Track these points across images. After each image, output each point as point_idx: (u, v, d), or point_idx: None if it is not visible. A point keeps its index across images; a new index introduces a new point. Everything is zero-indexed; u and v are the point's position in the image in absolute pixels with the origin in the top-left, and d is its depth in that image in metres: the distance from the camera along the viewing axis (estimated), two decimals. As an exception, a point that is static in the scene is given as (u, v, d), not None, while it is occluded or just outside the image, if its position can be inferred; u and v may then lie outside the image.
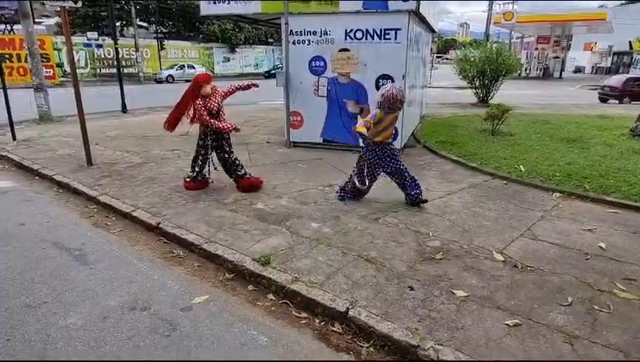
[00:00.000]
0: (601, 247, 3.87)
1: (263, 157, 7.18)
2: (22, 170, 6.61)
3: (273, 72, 36.40)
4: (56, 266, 3.66)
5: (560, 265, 3.54)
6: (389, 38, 6.75)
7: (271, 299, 3.20)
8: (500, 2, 34.52)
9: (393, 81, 6.88)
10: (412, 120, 9.04)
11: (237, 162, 5.35)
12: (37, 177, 6.22)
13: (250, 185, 5.32)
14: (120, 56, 23.54)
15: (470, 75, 14.74)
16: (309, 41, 7.26)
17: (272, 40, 44.70)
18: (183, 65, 33.04)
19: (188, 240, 3.96)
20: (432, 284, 3.22)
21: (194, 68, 32.79)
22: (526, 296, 3.08)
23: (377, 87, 6.90)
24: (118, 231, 4.37)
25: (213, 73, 38.44)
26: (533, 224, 4.37)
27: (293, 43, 7.35)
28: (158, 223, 4.32)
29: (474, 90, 15.43)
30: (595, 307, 2.97)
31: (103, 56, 31.48)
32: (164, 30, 39.16)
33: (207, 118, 5.00)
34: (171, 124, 5.20)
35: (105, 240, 4.16)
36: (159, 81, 30.56)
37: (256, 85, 5.55)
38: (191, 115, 5.12)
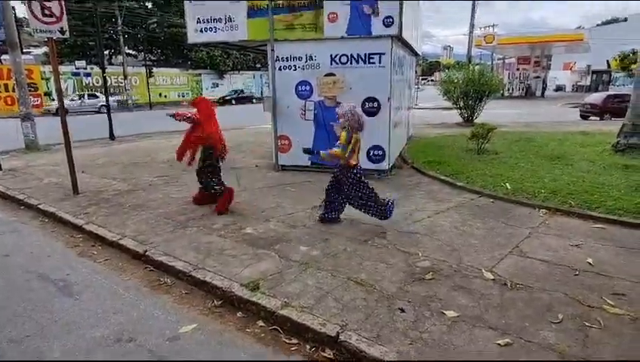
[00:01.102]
0: (589, 263, 3.89)
1: (251, 181, 7.17)
2: (7, 200, 6.50)
3: (228, 97, 36.81)
4: (40, 298, 3.57)
5: (549, 281, 3.55)
6: (374, 62, 6.90)
7: (260, 326, 3.14)
8: (481, 26, 35.66)
9: (379, 104, 7.00)
10: (399, 140, 9.14)
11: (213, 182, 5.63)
12: (22, 207, 6.12)
13: (224, 203, 5.48)
14: (108, 84, 23.64)
15: (455, 95, 15.05)
16: (295, 66, 7.38)
17: (259, 65, 45.31)
18: (82, 95, 28.24)
19: (175, 268, 3.90)
20: (423, 305, 3.19)
21: (96, 97, 27.88)
22: (516, 315, 3.07)
23: (363, 110, 7.01)
24: (104, 261, 4.29)
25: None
26: (521, 241, 4.39)
27: (280, 68, 7.46)
28: (145, 251, 4.25)
29: (459, 111, 15.71)
30: (586, 323, 2.97)
31: (91, 85, 31.54)
32: (152, 58, 39.58)
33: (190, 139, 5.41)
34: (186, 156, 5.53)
35: (90, 270, 4.07)
36: (52, 113, 23.27)
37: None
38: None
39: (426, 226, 4.85)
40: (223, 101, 35.99)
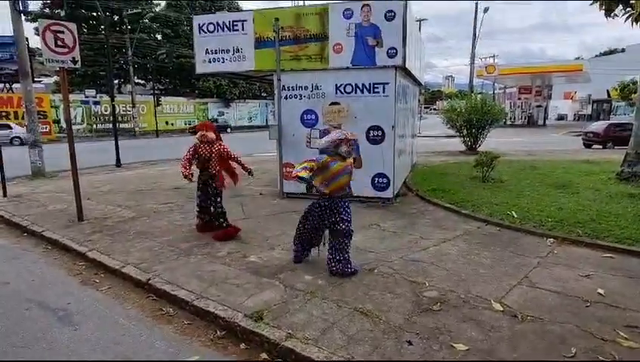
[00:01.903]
0: (600, 293, 3.80)
1: (256, 208, 7.14)
2: (11, 226, 6.50)
3: (193, 126, 36.48)
4: (40, 328, 3.50)
5: (560, 313, 3.45)
6: (378, 92, 6.99)
7: (264, 359, 3.05)
8: (482, 56, 36.32)
9: (383, 132, 7.04)
10: (403, 168, 9.15)
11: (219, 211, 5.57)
12: (25, 234, 6.11)
13: (224, 235, 5.41)
14: (117, 112, 24.04)
15: (458, 124, 15.16)
16: (300, 95, 7.49)
17: (265, 94, 46.12)
18: None
19: (178, 297, 3.83)
20: (431, 338, 3.10)
21: (10, 128, 22.77)
22: (528, 348, 2.97)
23: (368, 138, 7.05)
24: (107, 289, 4.23)
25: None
26: (529, 271, 4.31)
27: (286, 97, 7.57)
28: (148, 279, 4.20)
29: (462, 139, 15.80)
30: (600, 357, 2.86)
31: (100, 113, 32.13)
32: (160, 87, 40.40)
33: (186, 156, 5.36)
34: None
35: (92, 299, 4.02)
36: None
37: (251, 173, 5.55)
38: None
39: (433, 255, 4.78)
40: (194, 130, 35.85)
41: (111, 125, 16.12)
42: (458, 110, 15.05)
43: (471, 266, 4.45)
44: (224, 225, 5.50)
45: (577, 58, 49.78)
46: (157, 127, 33.68)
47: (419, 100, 15.89)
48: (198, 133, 5.36)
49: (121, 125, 32.23)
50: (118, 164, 13.26)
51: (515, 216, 6.12)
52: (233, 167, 5.54)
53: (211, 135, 5.33)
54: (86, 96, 30.97)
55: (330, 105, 7.31)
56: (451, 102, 16.46)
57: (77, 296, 4.08)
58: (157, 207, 7.27)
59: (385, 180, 7.21)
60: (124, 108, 33.29)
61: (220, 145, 5.39)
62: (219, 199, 5.49)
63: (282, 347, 3.03)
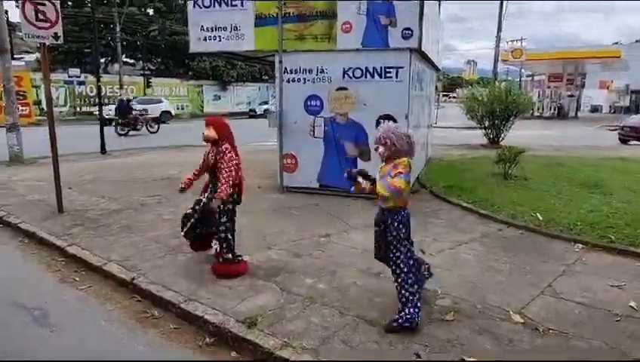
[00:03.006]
0: (632, 307, 3.77)
1: (252, 203, 7.12)
2: (-15, 217, 6.54)
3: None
4: (13, 329, 3.52)
5: (587, 327, 3.43)
6: (391, 77, 6.94)
7: (257, 369, 3.06)
8: (508, 39, 35.95)
9: (395, 122, 6.95)
10: (416, 163, 9.10)
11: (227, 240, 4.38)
12: (1, 225, 6.15)
13: (227, 272, 4.29)
14: (103, 93, 24.07)
15: (479, 114, 15.04)
16: (304, 79, 7.45)
17: (266, 77, 46.01)
18: None
19: (164, 299, 3.85)
20: (442, 350, 3.09)
21: None
22: (550, 365, 2.95)
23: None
24: (87, 288, 4.26)
25: (202, 112, 39.24)
26: (554, 280, 4.28)
27: (288, 81, 7.54)
28: (132, 279, 4.22)
29: (483, 131, 15.70)
30: (630, 378, 2.84)
31: (84, 94, 32.18)
32: (151, 67, 40.42)
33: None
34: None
35: (71, 298, 4.04)
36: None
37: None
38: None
39: (446, 259, 4.77)
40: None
41: (96, 108, 16.18)
42: (480, 99, 14.91)
43: (489, 273, 4.43)
44: (227, 256, 4.31)
45: (615, 43, 49.22)
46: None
47: (436, 87, 15.78)
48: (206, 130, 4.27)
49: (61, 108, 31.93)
50: (104, 151, 13.29)
51: (540, 218, 6.07)
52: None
53: (212, 133, 4.20)
54: (69, 76, 31.01)
55: (336, 90, 7.27)
56: (472, 90, 16.28)
57: (55, 295, 4.10)
58: (144, 199, 7.29)
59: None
60: (111, 90, 33.33)
61: (230, 157, 4.14)
62: (223, 218, 4.28)
63: (277, 356, 3.04)
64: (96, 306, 3.91)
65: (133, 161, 11.72)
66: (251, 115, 37.53)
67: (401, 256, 3.40)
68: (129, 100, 22.63)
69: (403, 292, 3.38)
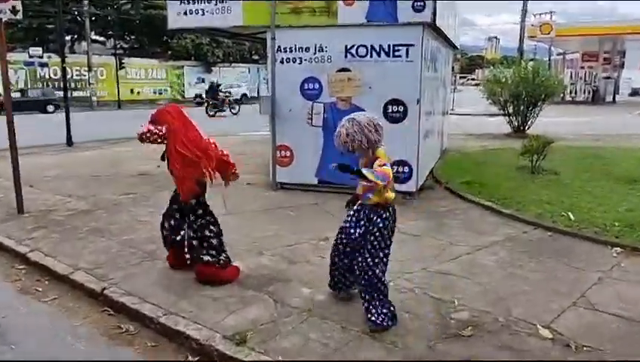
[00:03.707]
0: (678, 320, 3.78)
1: (241, 202, 7.15)
2: None
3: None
4: (-34, 347, 3.53)
5: (626, 343, 3.44)
6: (399, 56, 6.93)
7: (247, 392, 3.07)
8: (536, 12, 35.86)
9: (406, 108, 7.00)
10: (431, 154, 9.12)
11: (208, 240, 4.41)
12: (-49, 229, 6.15)
13: (211, 276, 4.31)
14: (69, 76, 24.09)
15: (502, 99, 15.04)
16: (300, 59, 7.43)
17: (256, 57, 45.95)
18: None
19: (141, 312, 3.86)
20: (459, 370, 3.10)
21: None
22: (582, 386, 2.97)
23: (386, 115, 7.01)
24: (51, 299, 4.27)
25: (183, 97, 39.21)
26: (588, 289, 4.29)
27: (282, 62, 7.52)
28: (104, 289, 4.23)
29: (507, 118, 15.70)
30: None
31: (47, 77, 32.18)
32: (124, 45, 40.32)
33: None
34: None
35: (33, 312, 4.05)
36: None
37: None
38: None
39: (464, 266, 4.78)
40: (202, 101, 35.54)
41: (61, 93, 16.29)
42: (503, 81, 14.91)
43: (513, 281, 4.44)
44: (208, 261, 4.30)
45: (659, 16, 49.03)
46: (119, 96, 33.74)
47: (452, 68, 15.74)
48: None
49: (75, 93, 32.27)
50: (70, 142, 13.29)
51: (572, 218, 6.09)
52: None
53: (152, 126, 4.18)
54: (30, 56, 30.97)
55: (337, 72, 7.26)
56: (494, 71, 16.28)
57: (15, 308, 4.11)
58: (117, 198, 7.29)
59: (406, 169, 7.19)
60: (78, 72, 33.35)
61: (176, 138, 4.14)
62: (200, 221, 4.38)
63: (270, 378, 3.05)
64: (62, 320, 3.92)
65: (103, 154, 11.72)
66: (199, 101, 34.67)
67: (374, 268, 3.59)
68: (218, 84, 28.65)
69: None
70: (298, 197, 7.33)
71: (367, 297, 3.65)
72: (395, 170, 7.11)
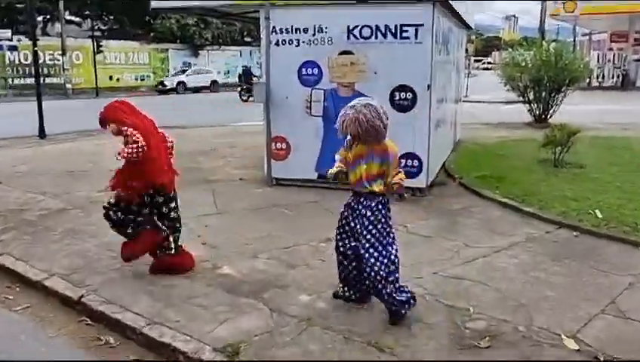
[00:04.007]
0: None
1: (232, 200, 7.15)
2: None
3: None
4: None
5: (659, 354, 3.44)
6: (408, 37, 6.90)
7: (240, 410, 3.08)
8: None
9: (415, 95, 6.98)
10: (443, 147, 9.10)
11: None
12: None
13: (168, 266, 4.66)
14: (41, 61, 24.00)
15: (521, 84, 15.03)
16: (298, 41, 7.41)
17: (249, 39, 45.85)
18: None
19: (122, 322, 3.87)
20: (475, 385, 3.11)
21: None
22: (612, 403, 2.97)
23: (392, 103, 7.00)
24: (23, 309, 4.27)
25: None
26: (618, 295, 4.29)
27: (277, 44, 7.50)
28: (81, 297, 4.23)
29: (527, 106, 15.69)
30: None
31: (17, 62, 32.09)
32: (102, 27, 40.23)
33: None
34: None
35: (3, 322, 4.06)
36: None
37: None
38: None
39: (480, 270, 4.78)
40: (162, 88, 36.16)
41: (33, 80, 16.27)
42: (523, 65, 14.89)
43: (534, 286, 4.44)
44: (164, 250, 4.68)
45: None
46: (97, 82, 33.64)
47: (466, 50, 15.71)
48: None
49: (48, 80, 32.16)
50: (43, 134, 13.27)
51: (600, 216, 6.10)
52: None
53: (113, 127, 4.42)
54: (-2, 39, 30.92)
55: (339, 55, 7.24)
56: (513, 54, 16.24)
57: (-18, 319, 4.11)
58: (94, 196, 7.26)
59: (416, 163, 7.18)
60: (51, 57, 33.22)
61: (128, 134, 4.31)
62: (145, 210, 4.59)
63: (266, 394, 3.05)
64: (36, 332, 3.92)
65: (79, 147, 11.72)
66: (161, 89, 35.97)
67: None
68: (250, 67, 32.03)
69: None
70: (296, 194, 7.33)
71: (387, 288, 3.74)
72: (402, 164, 7.13)
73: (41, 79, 16.28)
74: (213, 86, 38.41)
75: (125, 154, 4.29)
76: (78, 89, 33.87)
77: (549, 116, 15.39)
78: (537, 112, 15.56)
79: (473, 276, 4.62)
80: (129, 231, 4.60)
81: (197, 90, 36.68)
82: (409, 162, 7.17)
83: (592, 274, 4.69)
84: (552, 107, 15.36)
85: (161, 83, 36.73)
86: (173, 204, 4.68)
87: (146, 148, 4.28)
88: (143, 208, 4.58)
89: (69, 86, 33.02)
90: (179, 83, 36.46)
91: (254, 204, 6.98)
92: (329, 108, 7.41)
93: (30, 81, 30.62)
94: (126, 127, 4.33)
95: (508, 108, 19.79)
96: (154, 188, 4.50)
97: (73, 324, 4.02)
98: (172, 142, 4.83)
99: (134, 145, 4.24)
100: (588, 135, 10.90)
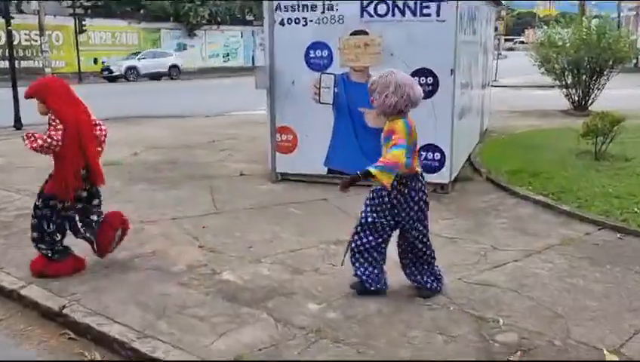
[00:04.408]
0: None
1: (233, 197, 7.16)
2: None
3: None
4: None
5: None
6: (429, 15, 6.89)
7: None
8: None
9: (437, 80, 6.97)
10: (468, 138, 9.07)
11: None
12: None
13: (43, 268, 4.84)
14: (16, 42, 24.13)
15: (558, 66, 14.95)
16: (305, 19, 7.42)
17: (251, 17, 45.83)
18: None
19: (109, 335, 3.86)
20: (505, 406, 3.11)
21: None
22: None
23: (412, 88, 6.98)
24: (-2, 320, 4.30)
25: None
26: (667, 304, 4.28)
27: (282, 23, 7.52)
28: (63, 307, 4.23)
29: (564, 91, 15.60)
30: None
31: (-10, 43, 32.27)
32: (85, 3, 40.31)
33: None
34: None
35: (-24, 335, 4.08)
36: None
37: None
38: None
39: (511, 275, 4.77)
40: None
41: (7, 63, 16.36)
42: (560, 44, 14.80)
43: (572, 295, 4.42)
44: (47, 254, 4.85)
45: None
46: (79, 66, 33.82)
47: (495, 29, 15.62)
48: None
49: (24, 63, 32.29)
50: (19, 124, 13.36)
51: (647, 215, 6.08)
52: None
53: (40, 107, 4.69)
54: (-32, 18, 31.09)
55: (351, 35, 7.24)
56: (549, 32, 16.15)
57: (-48, 331, 4.14)
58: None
59: (438, 156, 7.18)
60: (27, 37, 33.35)
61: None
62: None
63: (270, 415, 3.07)
64: (10, 347, 3.93)
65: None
66: (107, 76, 34.83)
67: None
68: None
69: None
70: (303, 191, 7.34)
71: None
72: (423, 157, 7.14)
73: (16, 63, 16.31)
74: (173, 72, 37.12)
75: (33, 146, 4.56)
76: (59, 73, 33.92)
77: (589, 102, 15.31)
78: (576, 98, 15.49)
79: (502, 282, 4.62)
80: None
81: (153, 76, 35.70)
82: (430, 155, 7.17)
83: (638, 281, 4.67)
84: (592, 92, 15.28)
85: (107, 69, 35.34)
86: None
87: (57, 147, 4.55)
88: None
89: (48, 70, 32.78)
90: (129, 69, 35.22)
91: (257, 201, 6.99)
92: (340, 95, 7.41)
93: (4, 64, 30.77)
94: (53, 116, 4.58)
95: (542, 93, 19.69)
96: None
97: (54, 339, 4.01)
98: (105, 131, 5.15)
99: (48, 140, 4.51)
100: (634, 123, 10.82)
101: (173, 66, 37.49)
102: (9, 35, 14.27)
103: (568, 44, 14.63)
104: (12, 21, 14.60)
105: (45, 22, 33.28)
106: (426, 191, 4.33)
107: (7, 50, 15.35)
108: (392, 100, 3.96)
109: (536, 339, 3.77)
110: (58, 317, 4.20)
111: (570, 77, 15.12)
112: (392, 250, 4.50)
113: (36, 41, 33.22)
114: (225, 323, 3.98)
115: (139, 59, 36.23)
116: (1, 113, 13.85)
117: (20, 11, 35.52)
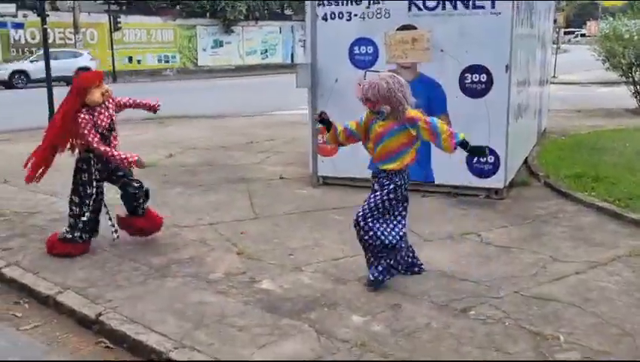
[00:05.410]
0: None
1: (272, 202, 7.21)
2: None
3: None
4: None
5: None
6: (482, 7, 6.84)
7: None
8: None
9: (491, 77, 6.91)
10: (524, 139, 8.95)
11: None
12: None
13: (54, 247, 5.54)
14: (51, 40, 24.68)
15: (624, 61, 14.66)
16: (349, 14, 7.44)
17: (290, 11, 46.04)
18: None
19: (146, 345, 3.92)
20: None
21: None
22: None
23: (463, 87, 6.94)
24: (33, 328, 4.36)
25: (197, 65, 39.74)
26: None
27: (324, 18, 7.56)
28: (99, 315, 4.30)
29: (632, 88, 15.28)
30: None
31: (24, 42, 33.07)
32: (120, 0, 41.08)
33: (96, 141, 5.47)
34: (38, 167, 5.99)
35: (9, 344, 4.15)
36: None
37: (156, 108, 6.19)
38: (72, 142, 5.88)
39: (573, 289, 4.69)
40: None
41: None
42: (626, 37, 14.51)
43: (641, 310, 4.33)
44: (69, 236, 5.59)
45: None
46: (114, 65, 34.42)
47: (555, 21, 15.38)
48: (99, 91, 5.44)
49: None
50: (52, 124, 13.61)
51: None
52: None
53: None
54: (1, 15, 31.77)
55: (398, 30, 7.23)
56: (614, 23, 15.83)
57: (-15, 338, 4.24)
58: (114, 197, 7.43)
59: (491, 159, 7.09)
60: (61, 35, 34.12)
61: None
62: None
63: None
64: (47, 355, 4.00)
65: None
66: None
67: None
68: None
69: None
70: (347, 196, 7.32)
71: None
72: (474, 161, 7.08)
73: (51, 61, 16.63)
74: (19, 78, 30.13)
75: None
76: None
77: (659, 101, 14.97)
78: (644, 96, 15.17)
79: (563, 296, 4.55)
80: None
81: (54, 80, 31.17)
82: (483, 158, 7.09)
83: None
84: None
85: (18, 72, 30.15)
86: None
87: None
88: None
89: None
90: (15, 73, 29.76)
91: (297, 206, 7.03)
92: (386, 94, 7.39)
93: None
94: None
95: (607, 91, 19.29)
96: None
97: (89, 347, 4.07)
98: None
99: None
100: None
101: (84, 68, 27.25)
102: (44, 33, 14.48)
103: (636, 37, 14.31)
104: (47, 19, 14.86)
105: (80, 19, 34.30)
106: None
107: (42, 49, 15.57)
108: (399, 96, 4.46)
109: (602, 359, 3.70)
110: (94, 324, 4.27)
111: (638, 73, 14.80)
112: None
113: (70, 39, 34.12)
114: (265, 334, 4.01)
115: (32, 61, 30.20)
116: (37, 112, 14.14)
117: (55, 8, 36.37)
